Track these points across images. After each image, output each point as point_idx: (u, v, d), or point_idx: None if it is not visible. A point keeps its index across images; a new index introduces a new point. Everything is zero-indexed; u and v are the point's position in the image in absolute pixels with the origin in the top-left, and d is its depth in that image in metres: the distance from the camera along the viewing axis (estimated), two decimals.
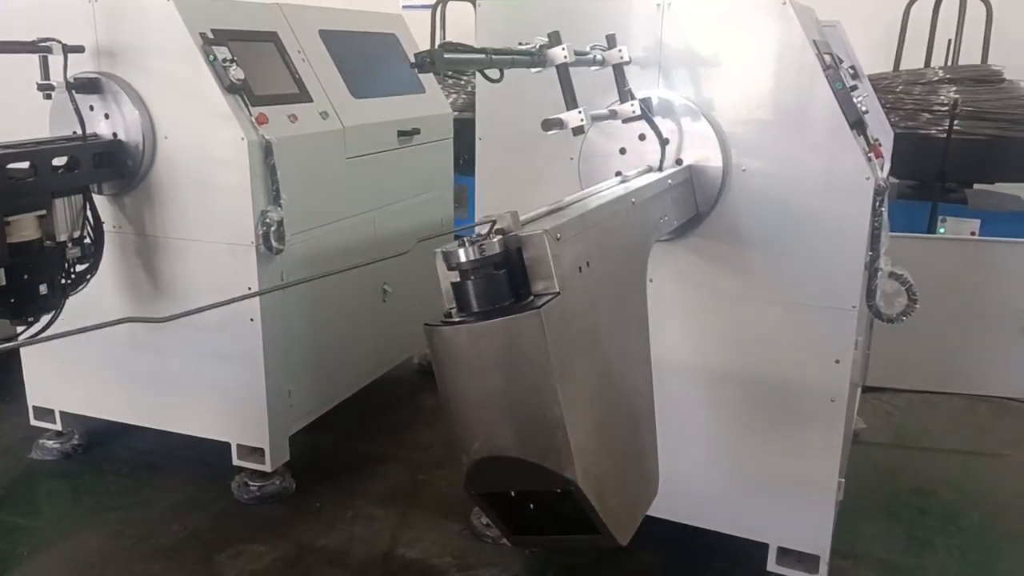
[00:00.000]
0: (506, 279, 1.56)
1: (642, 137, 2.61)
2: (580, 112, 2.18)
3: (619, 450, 1.83)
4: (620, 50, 2.48)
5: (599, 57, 2.46)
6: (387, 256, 1.59)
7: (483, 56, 1.96)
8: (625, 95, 2.51)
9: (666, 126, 2.61)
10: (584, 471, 1.55)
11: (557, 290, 1.56)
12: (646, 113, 2.51)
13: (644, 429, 1.98)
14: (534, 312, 1.49)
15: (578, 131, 2.22)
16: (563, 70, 2.21)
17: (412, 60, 1.79)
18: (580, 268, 1.69)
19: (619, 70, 2.50)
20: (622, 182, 2.42)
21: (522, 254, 1.59)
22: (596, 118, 2.37)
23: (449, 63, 1.84)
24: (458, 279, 1.56)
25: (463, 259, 1.55)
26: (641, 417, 1.97)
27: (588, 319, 1.69)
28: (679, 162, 2.62)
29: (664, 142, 2.58)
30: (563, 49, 2.17)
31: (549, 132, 2.16)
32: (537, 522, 1.67)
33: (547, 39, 2.18)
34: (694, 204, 2.63)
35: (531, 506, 1.65)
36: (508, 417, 1.54)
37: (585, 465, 1.56)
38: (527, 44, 2.17)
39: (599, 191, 2.26)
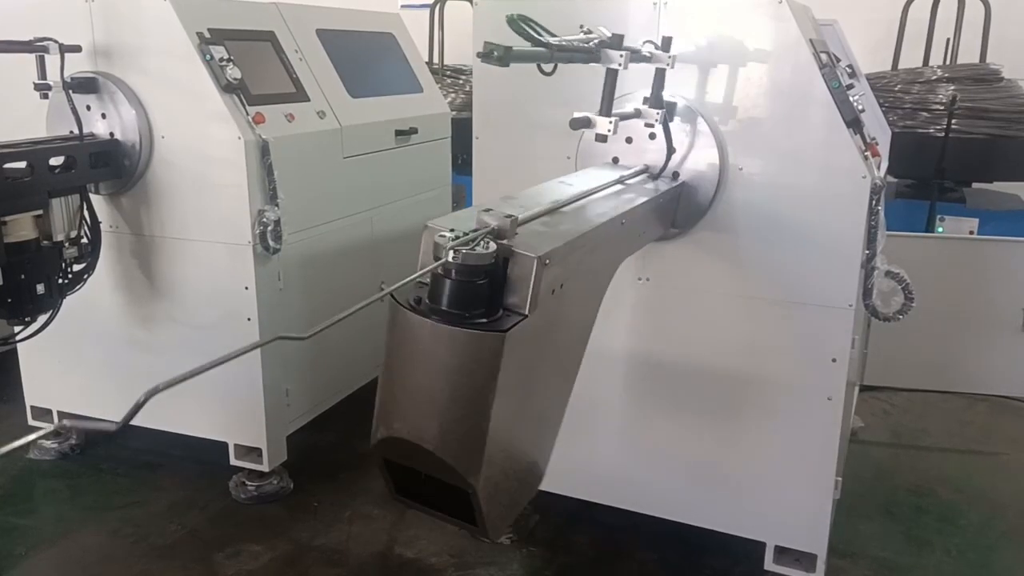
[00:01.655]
0: (483, 289, 1.58)
1: (652, 136, 2.60)
2: (611, 121, 2.20)
3: (520, 459, 1.87)
4: (672, 56, 2.47)
5: (649, 54, 2.45)
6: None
7: (547, 51, 1.99)
8: (658, 100, 2.48)
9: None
10: (486, 479, 1.62)
11: (526, 312, 1.60)
12: (666, 123, 2.51)
13: (548, 435, 2.00)
14: (499, 335, 1.54)
15: (601, 138, 2.25)
16: (611, 74, 2.22)
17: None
18: (553, 290, 1.72)
19: (661, 73, 2.48)
20: (618, 180, 2.43)
21: (508, 264, 1.61)
22: (623, 116, 2.38)
23: (515, 58, 1.87)
24: (440, 271, 1.58)
25: (451, 259, 1.55)
26: (549, 424, 2.00)
27: (540, 338, 1.72)
28: (675, 175, 2.62)
29: (671, 152, 2.57)
30: (620, 55, 2.18)
31: (576, 130, 2.21)
32: (422, 493, 1.72)
33: (609, 36, 2.17)
34: (673, 220, 2.63)
35: (423, 476, 1.69)
36: (439, 415, 1.60)
37: (488, 474, 1.63)
38: (589, 33, 2.17)
39: (595, 188, 2.26)
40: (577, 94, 2.48)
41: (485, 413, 1.58)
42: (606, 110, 2.25)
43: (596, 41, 2.18)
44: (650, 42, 2.48)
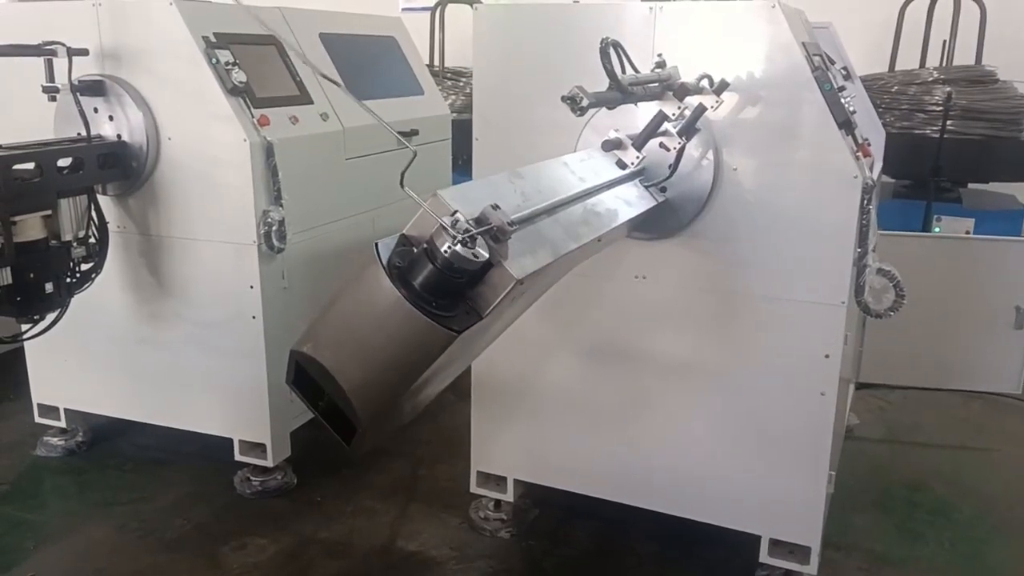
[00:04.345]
0: (459, 287, 1.68)
1: (662, 145, 2.60)
2: (639, 157, 2.39)
3: (406, 409, 1.97)
4: (720, 100, 2.58)
5: (700, 87, 2.58)
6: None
7: (621, 95, 2.18)
8: (690, 132, 2.55)
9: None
10: (374, 423, 1.79)
11: (484, 316, 1.71)
12: (683, 149, 2.55)
13: (434, 390, 2.08)
14: (451, 334, 1.65)
15: (622, 165, 2.43)
16: (661, 116, 2.40)
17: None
18: (514, 299, 1.80)
19: (702, 109, 2.53)
20: (615, 183, 2.47)
21: (488, 267, 1.69)
22: (639, 138, 2.50)
23: (595, 102, 2.09)
24: (427, 249, 1.66)
25: (443, 249, 1.61)
26: (441, 382, 2.08)
27: (479, 331, 1.81)
28: (663, 190, 2.65)
29: (673, 171, 2.59)
30: (679, 106, 2.43)
31: (608, 151, 2.42)
32: (315, 398, 1.84)
33: (679, 82, 2.40)
34: (633, 229, 2.67)
35: (324, 395, 1.80)
36: (367, 367, 1.73)
37: (377, 421, 1.79)
38: (659, 68, 2.41)
39: (594, 187, 2.30)
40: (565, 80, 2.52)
41: (406, 384, 1.74)
42: (639, 144, 2.40)
43: (661, 84, 2.37)
44: (707, 76, 2.56)
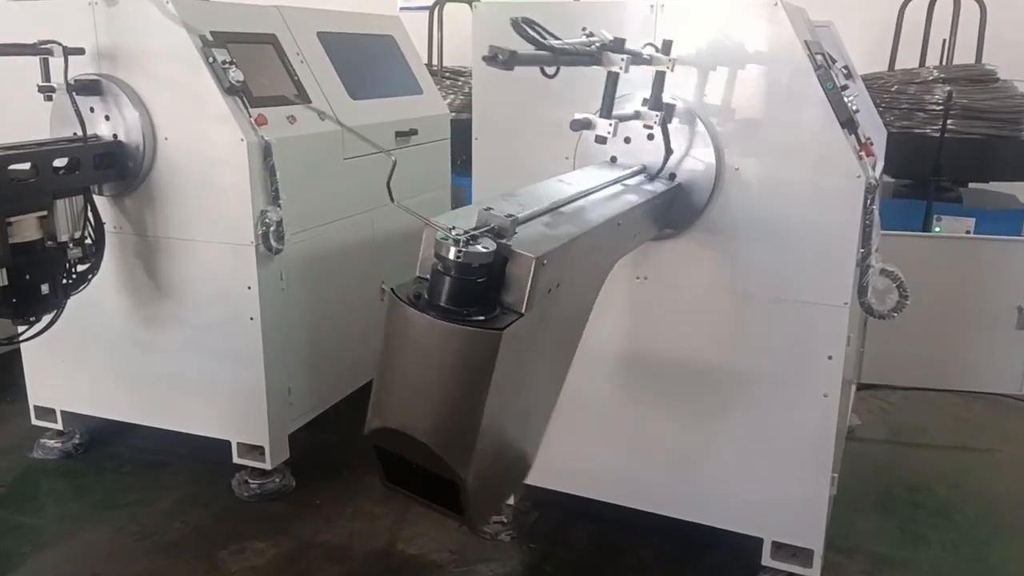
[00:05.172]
0: (482, 287, 1.61)
1: (650, 137, 2.63)
2: (611, 124, 2.23)
3: (509, 453, 1.90)
4: (672, 59, 2.50)
5: (648, 58, 2.47)
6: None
7: (550, 55, 2.02)
8: (658, 102, 2.51)
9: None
10: (475, 473, 1.65)
11: (523, 311, 1.63)
12: (665, 125, 2.54)
13: (537, 429, 2.03)
14: (496, 333, 1.56)
15: (601, 140, 2.28)
16: (612, 77, 2.24)
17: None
18: (549, 290, 1.74)
19: (661, 76, 2.50)
20: (616, 181, 2.46)
21: (507, 263, 1.64)
22: (622, 118, 2.41)
23: (520, 61, 1.90)
24: (440, 268, 1.60)
25: (452, 257, 1.58)
26: (539, 418, 2.03)
27: (534, 335, 1.75)
28: (672, 177, 2.65)
29: (669, 153, 2.59)
30: (621, 59, 2.22)
31: (576, 131, 2.23)
32: (411, 481, 1.75)
33: (610, 39, 2.21)
34: (668, 222, 2.66)
35: (413, 466, 1.72)
36: (433, 409, 1.63)
37: (478, 469, 1.65)
38: (591, 36, 2.20)
39: (594, 188, 2.29)
40: (576, 95, 2.51)
41: (478, 409, 1.61)
42: (606, 112, 2.28)
43: (598, 44, 2.21)
44: (651, 45, 2.51)
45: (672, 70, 2.51)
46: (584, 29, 2.26)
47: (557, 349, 2.02)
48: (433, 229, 1.64)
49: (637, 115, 2.51)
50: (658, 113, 2.49)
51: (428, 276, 1.64)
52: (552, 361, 2.01)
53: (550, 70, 2.10)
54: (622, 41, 2.24)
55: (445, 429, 1.63)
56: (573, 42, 2.16)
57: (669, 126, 2.60)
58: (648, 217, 2.47)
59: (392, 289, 1.62)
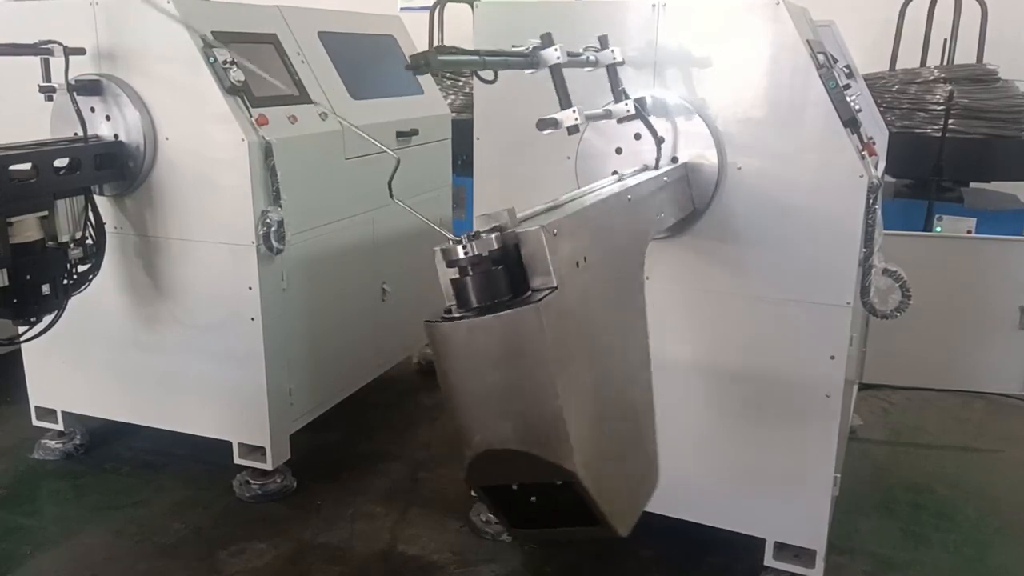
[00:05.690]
0: (504, 275, 1.58)
1: (637, 136, 2.63)
2: (574, 111, 2.21)
3: (619, 442, 1.84)
4: (613, 51, 2.51)
5: (592, 58, 2.48)
6: None
7: (477, 58, 2.00)
8: (619, 95, 2.54)
9: (661, 125, 2.63)
10: (584, 463, 1.56)
11: (555, 284, 1.57)
12: (641, 112, 2.54)
13: (643, 420, 1.99)
14: (532, 307, 1.50)
15: (573, 130, 2.24)
16: (556, 71, 2.24)
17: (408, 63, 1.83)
18: (577, 263, 1.70)
19: (612, 71, 2.53)
20: (619, 180, 2.45)
21: (520, 250, 1.60)
22: (591, 117, 2.39)
23: (444, 64, 1.87)
24: (457, 275, 1.59)
25: (461, 255, 1.57)
26: (640, 408, 1.98)
27: (585, 313, 1.70)
28: (675, 160, 2.65)
29: (659, 141, 2.60)
30: (555, 50, 2.20)
31: (544, 132, 2.18)
32: (538, 515, 1.67)
33: (540, 40, 2.21)
34: (691, 200, 2.65)
35: (532, 499, 1.65)
36: (507, 410, 1.54)
37: (585, 458, 1.56)
38: (521, 46, 2.20)
39: (595, 189, 2.28)
40: (577, 96, 2.50)
41: (552, 391, 1.52)
42: (564, 104, 2.26)
43: (531, 48, 2.21)
44: (590, 48, 2.51)
45: (622, 62, 2.52)
46: (514, 45, 2.27)
47: (619, 329, 1.94)
48: (439, 252, 1.59)
49: (608, 114, 2.51)
50: (628, 101, 2.50)
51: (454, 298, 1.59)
52: (623, 344, 1.94)
53: (488, 76, 2.12)
54: (549, 35, 2.24)
55: (528, 426, 1.54)
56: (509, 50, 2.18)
57: (670, 126, 2.60)
58: (664, 194, 2.44)
59: (426, 320, 1.56)
